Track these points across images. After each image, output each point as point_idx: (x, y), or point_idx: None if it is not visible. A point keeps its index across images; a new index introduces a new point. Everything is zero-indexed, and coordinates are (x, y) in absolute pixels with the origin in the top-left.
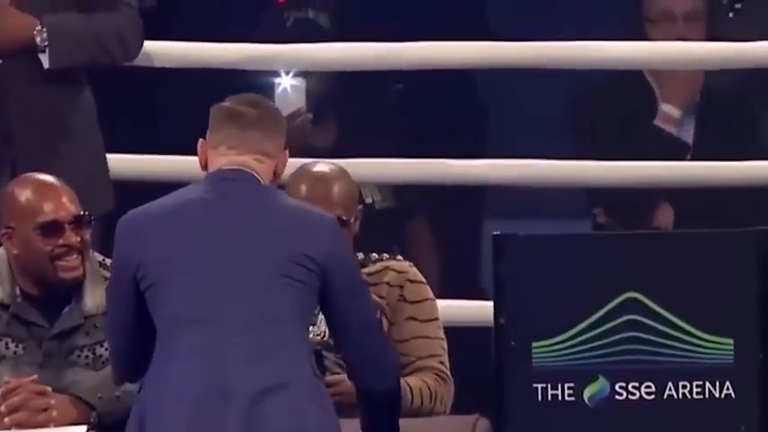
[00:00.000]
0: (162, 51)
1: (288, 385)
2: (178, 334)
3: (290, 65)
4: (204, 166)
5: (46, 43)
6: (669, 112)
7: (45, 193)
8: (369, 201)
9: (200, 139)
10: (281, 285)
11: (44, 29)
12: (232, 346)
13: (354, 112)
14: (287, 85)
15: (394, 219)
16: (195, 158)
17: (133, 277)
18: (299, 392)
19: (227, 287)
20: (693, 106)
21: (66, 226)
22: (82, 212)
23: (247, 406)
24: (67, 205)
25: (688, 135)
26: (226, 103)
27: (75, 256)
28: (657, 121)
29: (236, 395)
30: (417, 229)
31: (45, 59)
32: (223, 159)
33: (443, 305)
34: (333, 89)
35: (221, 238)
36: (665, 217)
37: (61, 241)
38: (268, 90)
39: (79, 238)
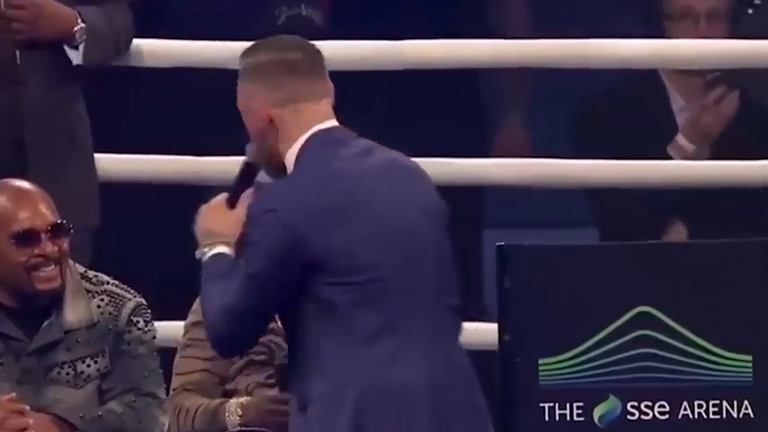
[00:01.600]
0: (147, 49)
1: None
2: (372, 329)
3: None
4: (263, 131)
5: (82, 40)
6: (684, 145)
7: (20, 200)
8: None
9: (249, 103)
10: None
11: (83, 27)
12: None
13: (347, 113)
14: None
15: None
16: (181, 158)
17: (308, 262)
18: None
19: (411, 286)
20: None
21: (43, 235)
22: (59, 221)
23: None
24: (44, 213)
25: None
26: (270, 55)
27: (52, 266)
28: (671, 150)
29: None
30: None
31: (77, 56)
32: (308, 115)
33: None
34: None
35: (397, 225)
36: (677, 230)
37: (37, 251)
38: None
39: (57, 248)
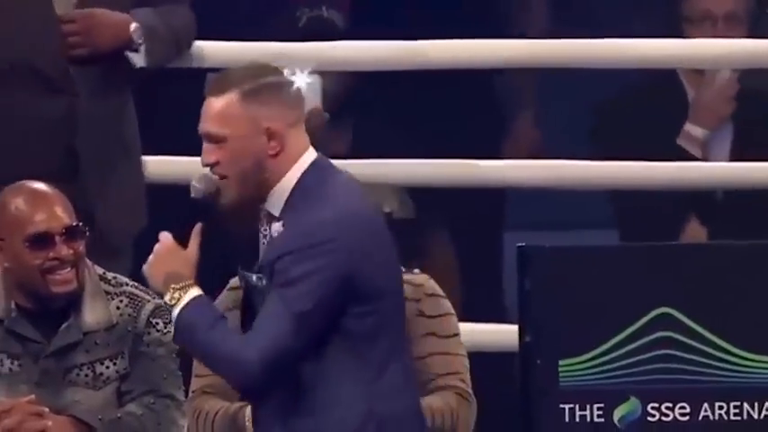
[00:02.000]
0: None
1: None
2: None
3: (305, 64)
4: (262, 153)
5: (141, 41)
6: (691, 131)
7: (36, 202)
8: (386, 210)
9: (257, 124)
10: None
11: (140, 27)
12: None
13: (366, 114)
14: (302, 83)
15: (412, 229)
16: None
17: (346, 293)
18: None
19: (402, 309)
20: (724, 126)
21: (57, 238)
22: (75, 223)
23: None
24: (60, 216)
25: (719, 154)
26: (275, 77)
27: (67, 269)
28: (680, 141)
29: None
30: (437, 241)
31: (139, 58)
32: (304, 138)
33: (466, 329)
34: (347, 89)
35: (390, 246)
36: (697, 231)
37: (52, 254)
38: None
39: (72, 251)
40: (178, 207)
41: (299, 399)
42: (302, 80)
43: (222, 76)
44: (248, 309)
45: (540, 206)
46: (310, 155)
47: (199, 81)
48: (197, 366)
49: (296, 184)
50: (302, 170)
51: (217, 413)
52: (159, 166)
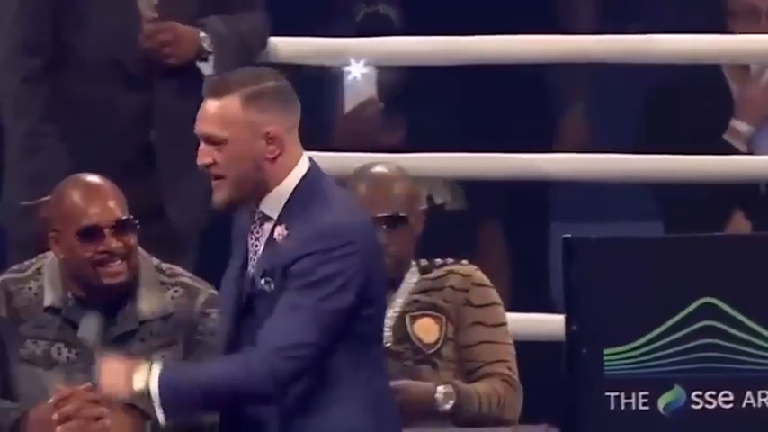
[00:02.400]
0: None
1: None
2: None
3: (361, 59)
4: (260, 157)
5: (210, 50)
6: (737, 127)
7: (89, 196)
8: (439, 202)
9: (257, 128)
10: None
11: (208, 36)
12: None
13: (420, 109)
14: (357, 74)
15: (465, 221)
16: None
17: (360, 294)
18: None
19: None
20: None
21: (107, 231)
22: (126, 217)
23: None
24: (111, 209)
25: (765, 149)
26: (275, 81)
27: (117, 261)
28: (726, 136)
29: None
30: (488, 232)
31: (207, 68)
32: (297, 143)
33: (513, 318)
34: (403, 82)
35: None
36: (740, 222)
37: (101, 247)
38: (337, 79)
39: (122, 244)
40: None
41: (299, 399)
42: (357, 71)
43: (223, 79)
44: (247, 313)
45: (587, 198)
46: (306, 159)
47: None
48: None
49: (295, 187)
50: (300, 174)
51: None
52: None
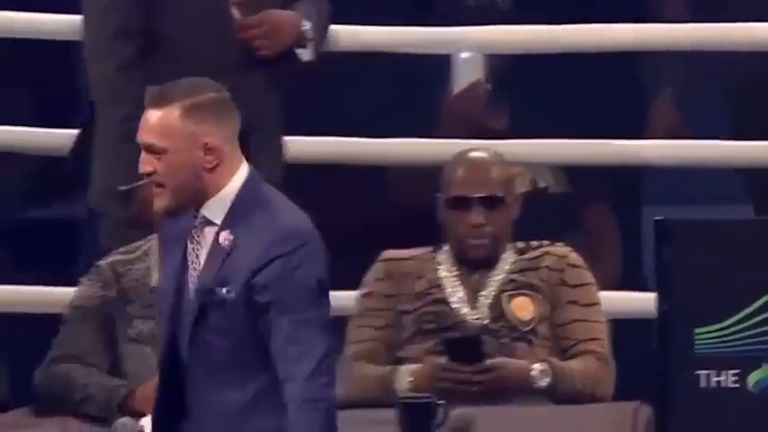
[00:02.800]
0: (332, 35)
1: None
2: None
3: (472, 48)
4: (198, 167)
5: (311, 36)
6: None
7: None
8: (542, 185)
9: (196, 139)
10: None
11: (309, 22)
12: None
13: (525, 92)
14: (466, 56)
15: (567, 204)
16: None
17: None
18: None
19: None
20: None
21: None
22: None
23: None
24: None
25: None
26: (215, 93)
27: None
28: None
29: None
30: (598, 213)
31: (306, 54)
32: (238, 153)
33: (608, 296)
34: (508, 68)
35: None
36: None
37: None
38: (445, 62)
39: None
40: (314, 186)
41: (257, 399)
42: (464, 53)
43: (164, 90)
44: (198, 320)
45: (677, 182)
46: (246, 166)
47: (342, 65)
48: (351, 331)
49: (237, 194)
50: (241, 181)
51: (370, 377)
52: (299, 146)
